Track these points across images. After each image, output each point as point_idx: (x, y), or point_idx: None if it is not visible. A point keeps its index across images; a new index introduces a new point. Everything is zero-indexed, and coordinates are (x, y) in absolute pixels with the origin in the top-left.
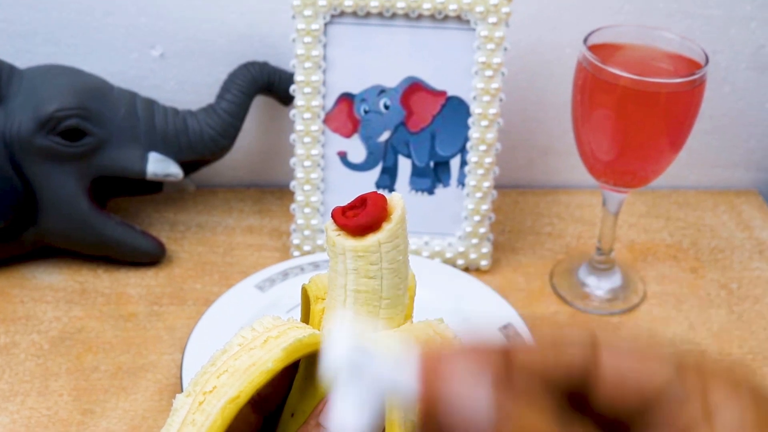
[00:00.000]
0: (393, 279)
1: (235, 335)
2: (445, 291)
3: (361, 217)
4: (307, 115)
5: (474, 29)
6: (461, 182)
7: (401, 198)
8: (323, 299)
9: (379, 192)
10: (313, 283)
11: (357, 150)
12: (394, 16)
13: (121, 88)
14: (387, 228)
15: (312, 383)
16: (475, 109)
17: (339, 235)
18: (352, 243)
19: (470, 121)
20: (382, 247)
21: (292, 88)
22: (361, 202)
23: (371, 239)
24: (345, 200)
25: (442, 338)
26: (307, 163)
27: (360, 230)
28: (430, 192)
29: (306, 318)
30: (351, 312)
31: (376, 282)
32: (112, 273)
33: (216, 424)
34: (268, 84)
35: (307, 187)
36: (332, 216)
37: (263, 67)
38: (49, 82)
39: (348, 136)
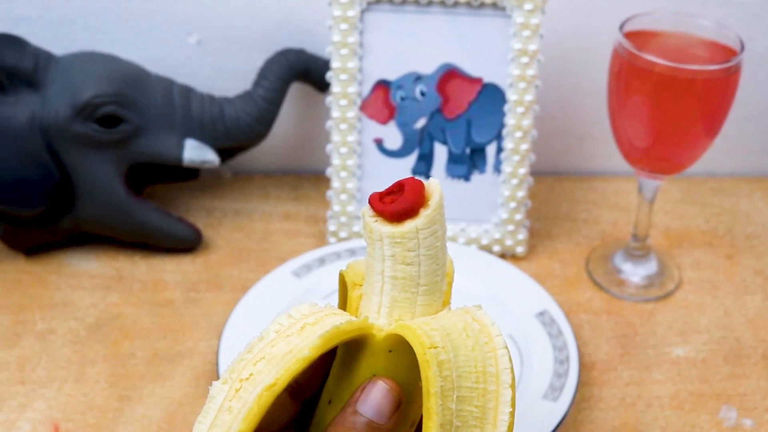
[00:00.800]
0: (431, 265)
1: (272, 322)
2: (482, 277)
3: (398, 203)
4: (343, 102)
5: (510, 16)
6: (497, 169)
7: (439, 184)
8: (360, 285)
9: (416, 178)
10: (351, 269)
11: (393, 137)
12: (430, 3)
13: (157, 75)
14: (425, 214)
15: (350, 370)
16: (511, 95)
17: (376, 221)
18: (389, 229)
19: (506, 107)
20: (419, 233)
21: (329, 74)
22: (399, 187)
23: (409, 225)
24: (381, 187)
25: (480, 325)
26: (343, 150)
27: (397, 216)
28: (467, 179)
29: (343, 304)
30: (388, 298)
31: (413, 268)
32: (148, 260)
33: (252, 411)
34: (305, 71)
35: (343, 174)
36: (369, 202)
37: (300, 53)
38: (85, 69)
39: (384, 122)
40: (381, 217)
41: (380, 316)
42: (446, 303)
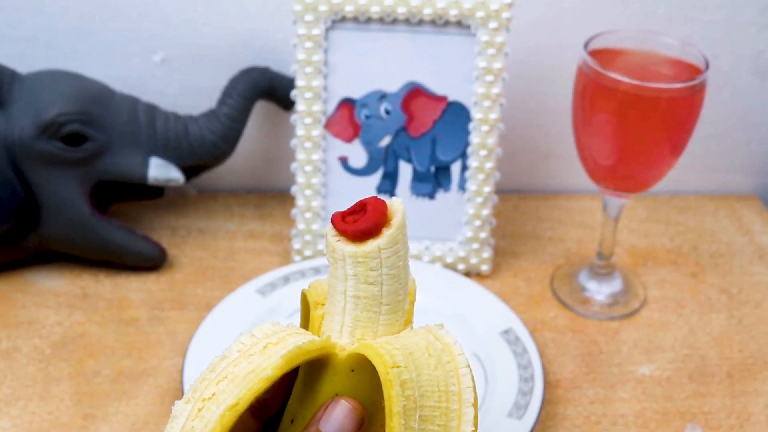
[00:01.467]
0: (393, 285)
1: (235, 341)
2: (446, 296)
3: (361, 223)
4: (308, 120)
5: (474, 34)
6: (462, 187)
7: (401, 203)
8: (323, 305)
9: (379, 197)
10: (313, 289)
11: (358, 155)
12: (394, 21)
13: (122, 93)
14: (387, 233)
15: (312, 389)
16: (476, 114)
17: (339, 240)
18: (352, 249)
19: (471, 126)
20: (382, 252)
21: (293, 93)
22: (361, 207)
23: (371, 245)
24: (346, 205)
25: (442, 344)
26: (308, 168)
27: (360, 236)
28: (431, 197)
29: (306, 323)
30: (350, 318)
31: (376, 288)
32: (113, 278)
33: (215, 430)
34: (269, 89)
35: (308, 192)
36: (332, 221)
37: (264, 72)
38: (50, 87)
39: (349, 141)
40: (343, 237)
41: (342, 335)
42: (408, 322)
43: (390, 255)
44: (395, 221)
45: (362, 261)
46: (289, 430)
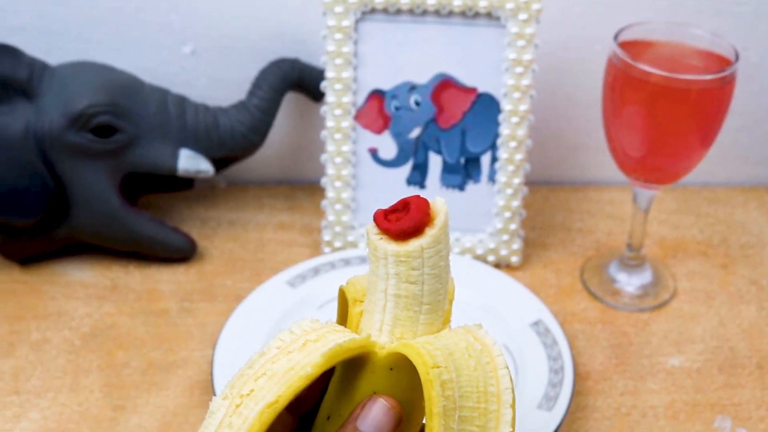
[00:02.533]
0: (434, 284)
1: (273, 338)
2: (476, 287)
3: (404, 222)
4: (337, 112)
5: (504, 26)
6: (492, 179)
7: (444, 203)
8: (361, 302)
9: (421, 196)
10: (351, 285)
11: (388, 146)
12: (424, 12)
13: (152, 84)
14: (430, 233)
15: (350, 386)
16: (506, 105)
17: (381, 238)
18: (394, 247)
19: (501, 117)
20: (424, 252)
21: (323, 84)
22: (404, 205)
23: (414, 244)
24: (376, 197)
25: (482, 344)
26: (337, 160)
27: (403, 235)
28: (461, 188)
29: (343, 320)
30: (390, 316)
31: (417, 287)
32: (143, 269)
33: (254, 428)
34: (299, 80)
35: (337, 184)
36: (374, 219)
37: (294, 63)
38: (80, 79)
39: (379, 132)
40: (386, 235)
41: (382, 333)
42: (447, 322)
43: (432, 255)
44: (438, 221)
45: (404, 260)
46: (325, 426)
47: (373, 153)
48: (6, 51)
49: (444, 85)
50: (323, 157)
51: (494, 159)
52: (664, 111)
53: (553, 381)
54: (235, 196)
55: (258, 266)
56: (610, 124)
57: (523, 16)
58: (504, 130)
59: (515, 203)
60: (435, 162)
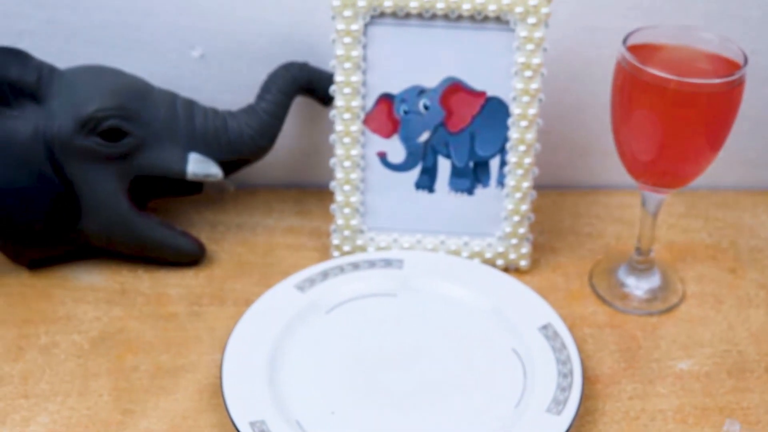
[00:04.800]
0: None
1: None
2: (485, 291)
3: None
4: (346, 116)
5: (513, 30)
6: (501, 183)
7: None
8: None
9: None
10: None
11: (396, 150)
12: (433, 17)
13: (161, 88)
14: None
15: None
16: (515, 109)
17: None
18: None
19: (510, 121)
20: None
21: (332, 88)
22: None
23: None
24: (385, 201)
25: None
26: (346, 164)
27: None
28: (470, 192)
29: None
30: None
31: None
32: (152, 273)
33: None
34: (308, 84)
35: (346, 188)
36: None
37: (303, 67)
38: (89, 83)
39: (387, 136)
40: None
41: None
42: None
43: None
44: None
45: None
46: None
47: (382, 157)
48: (14, 55)
49: (453, 89)
50: (332, 161)
51: (503, 163)
52: (672, 115)
53: (562, 385)
54: (244, 200)
55: (267, 270)
56: (618, 127)
57: (532, 20)
58: (513, 134)
59: (524, 207)
60: (444, 166)
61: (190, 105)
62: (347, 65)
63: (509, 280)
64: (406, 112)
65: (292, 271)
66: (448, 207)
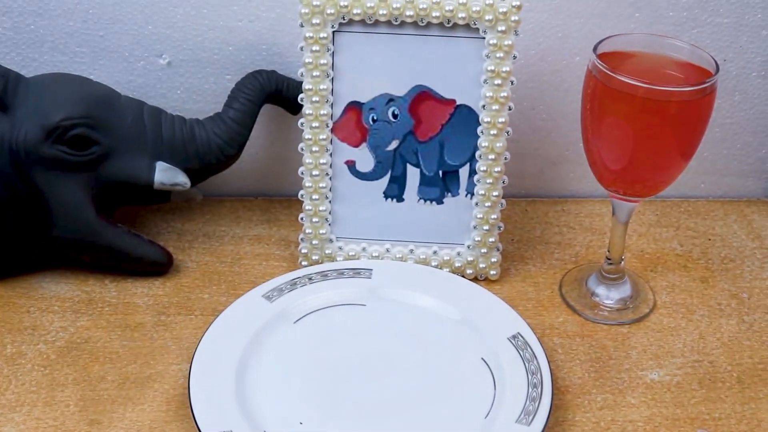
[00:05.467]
0: None
1: None
2: (454, 301)
3: None
4: (315, 124)
5: (483, 37)
6: (470, 191)
7: None
8: None
9: None
10: None
11: (365, 159)
12: (402, 24)
13: (128, 96)
14: None
15: None
16: (484, 117)
17: None
18: None
19: (479, 129)
20: None
21: (300, 96)
22: None
23: None
24: (353, 210)
25: None
26: (315, 173)
27: None
28: (439, 201)
29: None
30: None
31: None
32: (119, 283)
33: None
34: (276, 92)
35: (315, 197)
36: None
37: (271, 75)
38: (55, 91)
39: (356, 145)
40: None
41: None
42: None
43: None
44: None
45: None
46: None
47: (351, 166)
48: None
49: (422, 97)
50: (300, 170)
51: (472, 172)
52: (643, 123)
53: (531, 395)
54: (212, 208)
55: (235, 279)
56: (589, 136)
57: (501, 27)
58: (482, 143)
59: (494, 216)
60: (413, 175)
61: (158, 113)
62: (315, 73)
63: (479, 290)
64: (374, 121)
65: (260, 280)
66: (418, 216)
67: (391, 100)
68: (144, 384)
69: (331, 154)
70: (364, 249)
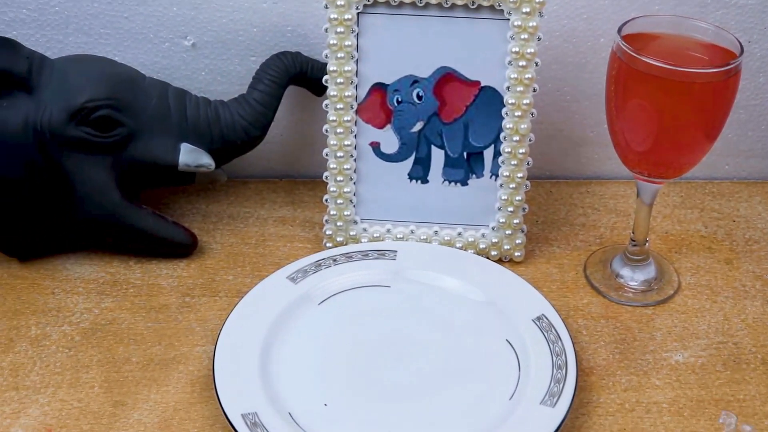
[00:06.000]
0: None
1: None
2: (479, 282)
3: None
4: (339, 106)
5: (508, 19)
6: (495, 173)
7: None
8: None
9: None
10: None
11: (390, 141)
12: (427, 5)
13: (152, 78)
14: None
15: None
16: (509, 99)
17: None
18: None
19: (504, 111)
20: None
21: (325, 78)
22: None
23: None
24: (378, 191)
25: None
26: (339, 154)
27: None
28: (464, 183)
29: None
30: None
31: None
32: (143, 264)
33: None
34: (301, 74)
35: (339, 178)
36: None
37: (296, 57)
38: (80, 73)
39: (381, 126)
40: None
41: None
42: None
43: None
44: None
45: None
46: None
47: (375, 147)
48: (4, 44)
49: (446, 78)
50: (325, 152)
51: (497, 153)
52: (668, 104)
53: (556, 377)
54: (237, 190)
55: (259, 261)
56: (613, 117)
57: (526, 8)
58: (507, 124)
59: (518, 198)
60: (437, 156)
61: (182, 95)
62: (340, 55)
63: (503, 271)
64: (399, 102)
65: (285, 262)
66: (442, 197)
67: (415, 81)
68: (168, 365)
69: (355, 136)
70: (388, 230)
